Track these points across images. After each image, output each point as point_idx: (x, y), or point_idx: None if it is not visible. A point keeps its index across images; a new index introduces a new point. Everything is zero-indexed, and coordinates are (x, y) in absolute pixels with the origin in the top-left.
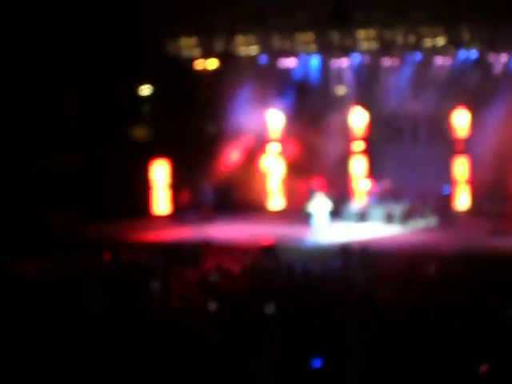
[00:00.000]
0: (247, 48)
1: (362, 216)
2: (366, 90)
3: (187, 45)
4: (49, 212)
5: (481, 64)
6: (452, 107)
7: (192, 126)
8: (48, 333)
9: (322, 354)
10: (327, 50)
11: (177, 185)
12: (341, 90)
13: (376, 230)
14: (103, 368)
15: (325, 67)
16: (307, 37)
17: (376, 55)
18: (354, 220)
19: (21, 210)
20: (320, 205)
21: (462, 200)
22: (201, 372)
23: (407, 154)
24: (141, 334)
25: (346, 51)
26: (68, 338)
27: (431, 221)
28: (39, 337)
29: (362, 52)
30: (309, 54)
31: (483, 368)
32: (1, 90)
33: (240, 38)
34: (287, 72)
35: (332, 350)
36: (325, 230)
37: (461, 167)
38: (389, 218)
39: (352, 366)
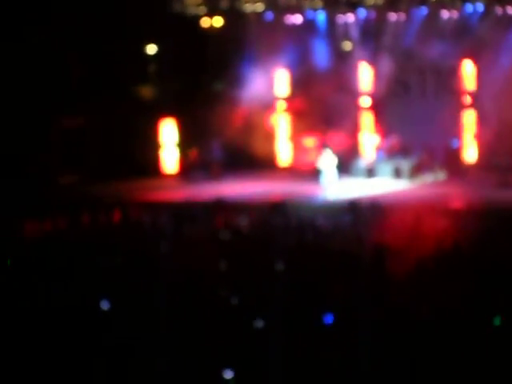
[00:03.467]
0: (253, 5)
1: (371, 172)
2: (373, 46)
3: (193, 2)
4: (58, 172)
5: (487, 16)
6: (459, 61)
7: (199, 84)
8: (55, 290)
9: (333, 309)
10: (333, 6)
11: (185, 143)
12: (347, 46)
13: (385, 185)
14: (113, 327)
15: (331, 23)
16: None
17: (382, 10)
18: (362, 176)
19: (29, 170)
20: (328, 161)
21: (470, 153)
22: (213, 328)
23: (415, 108)
24: (153, 291)
25: (352, 6)
26: (76, 297)
27: (440, 175)
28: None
29: (368, 7)
30: (315, 9)
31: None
32: (8, 54)
33: None
34: (293, 28)
35: (343, 306)
36: (334, 186)
37: (469, 121)
38: (397, 173)
39: (363, 322)
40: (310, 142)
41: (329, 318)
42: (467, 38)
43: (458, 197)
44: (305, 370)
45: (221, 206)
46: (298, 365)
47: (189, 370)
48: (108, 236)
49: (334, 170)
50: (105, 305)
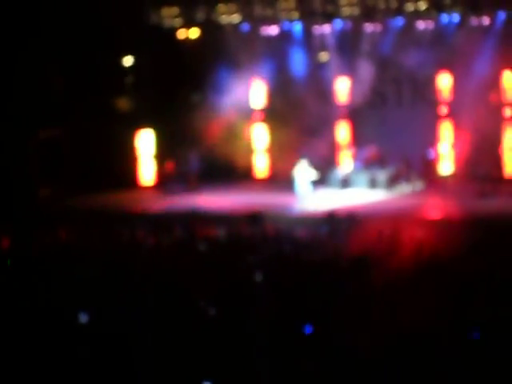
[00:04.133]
0: (229, 16)
1: (346, 182)
2: (349, 56)
3: (169, 14)
4: (35, 185)
5: (463, 27)
6: (435, 71)
7: (176, 96)
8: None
9: (313, 319)
10: (309, 17)
11: (162, 155)
12: (324, 57)
13: (361, 195)
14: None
15: (307, 34)
16: (289, 4)
17: (358, 21)
18: (337, 186)
19: (8, 183)
20: (304, 171)
21: (447, 164)
22: (191, 339)
23: (391, 118)
24: (131, 303)
25: (328, 17)
26: (54, 310)
27: (417, 185)
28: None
29: (345, 18)
30: (291, 21)
31: None
32: None
33: (222, 7)
34: (270, 39)
35: (322, 315)
36: (310, 197)
37: (445, 131)
38: (373, 184)
39: (341, 329)
40: (286, 152)
41: (308, 329)
42: (443, 49)
43: (435, 207)
44: (285, 380)
45: (197, 217)
46: (277, 375)
47: (168, 381)
48: (85, 248)
49: (309, 181)
50: (83, 317)
